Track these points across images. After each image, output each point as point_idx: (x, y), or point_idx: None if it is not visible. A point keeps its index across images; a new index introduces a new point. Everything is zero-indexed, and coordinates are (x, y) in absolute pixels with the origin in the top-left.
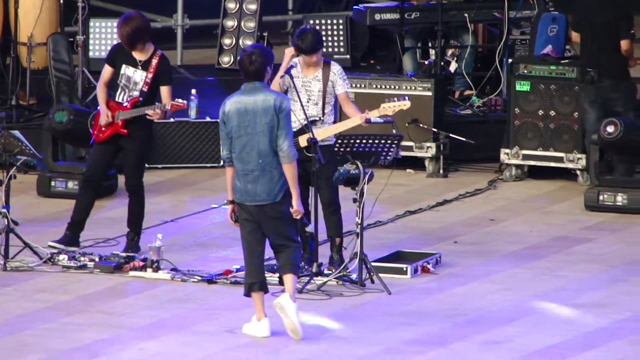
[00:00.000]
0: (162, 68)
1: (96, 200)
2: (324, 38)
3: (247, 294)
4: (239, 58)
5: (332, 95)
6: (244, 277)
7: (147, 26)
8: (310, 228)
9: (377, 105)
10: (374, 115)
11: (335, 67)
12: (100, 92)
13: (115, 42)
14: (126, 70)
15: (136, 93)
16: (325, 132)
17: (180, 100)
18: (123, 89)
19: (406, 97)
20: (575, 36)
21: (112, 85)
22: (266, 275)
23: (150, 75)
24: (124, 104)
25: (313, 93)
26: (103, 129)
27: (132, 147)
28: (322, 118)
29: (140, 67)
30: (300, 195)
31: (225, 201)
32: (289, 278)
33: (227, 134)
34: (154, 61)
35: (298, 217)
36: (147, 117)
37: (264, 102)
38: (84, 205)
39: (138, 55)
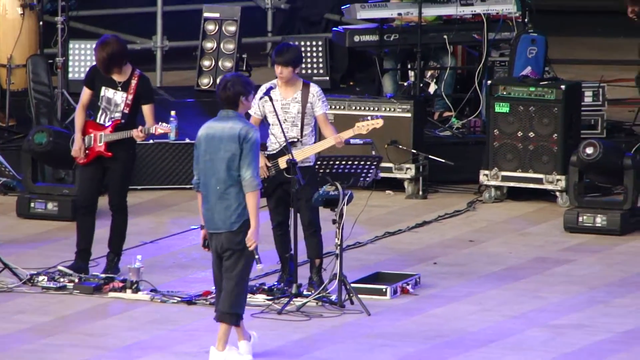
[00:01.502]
0: (142, 88)
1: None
2: (303, 60)
3: (215, 319)
4: (218, 83)
5: (312, 116)
6: (215, 303)
7: (123, 50)
8: (261, 266)
9: (354, 126)
10: (348, 135)
11: (314, 89)
12: (78, 118)
13: (93, 64)
14: (106, 92)
15: (118, 115)
16: (302, 153)
17: (165, 125)
18: (104, 111)
19: (379, 116)
20: None
21: (92, 106)
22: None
23: (130, 97)
24: (107, 126)
25: (291, 114)
26: (86, 151)
27: (116, 167)
28: (300, 139)
29: (120, 89)
30: (280, 216)
31: (200, 226)
32: (222, 327)
33: (197, 159)
34: (133, 82)
35: (251, 248)
36: (135, 137)
37: (231, 129)
38: (86, 232)
39: (117, 77)
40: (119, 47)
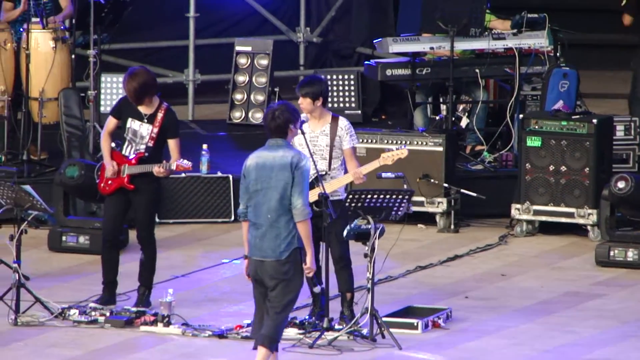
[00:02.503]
0: (168, 121)
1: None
2: (335, 93)
3: (254, 347)
4: (264, 113)
5: (340, 150)
6: (252, 330)
7: (153, 81)
8: (318, 289)
9: (380, 157)
10: (372, 167)
11: (343, 122)
12: (105, 143)
13: (122, 96)
14: (132, 124)
15: (142, 147)
16: (329, 187)
17: (186, 162)
18: (130, 143)
19: (404, 146)
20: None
21: (119, 137)
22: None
23: (156, 130)
24: (130, 158)
25: (320, 147)
26: (110, 182)
27: (141, 200)
28: (329, 172)
29: (146, 121)
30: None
31: (243, 256)
32: (261, 351)
33: (246, 188)
34: (160, 115)
35: (310, 275)
36: (155, 173)
37: (282, 158)
38: (111, 265)
39: (144, 109)
40: (148, 77)
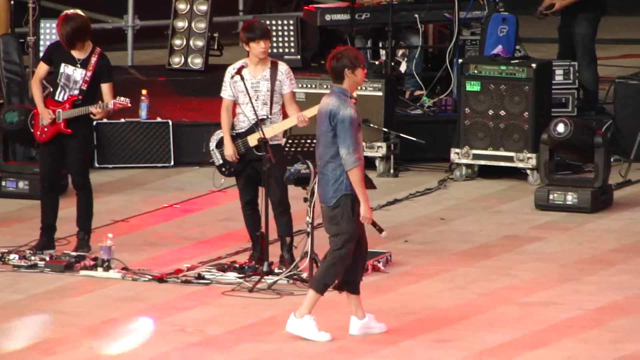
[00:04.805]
0: (101, 65)
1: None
2: (274, 39)
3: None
4: None
5: (280, 94)
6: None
7: (87, 25)
8: (385, 234)
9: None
10: (312, 113)
11: (283, 67)
12: (37, 91)
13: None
14: (65, 68)
15: (76, 92)
16: (271, 131)
17: (123, 99)
18: (63, 88)
19: None
20: None
21: (51, 83)
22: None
23: (89, 74)
24: (63, 103)
25: (261, 93)
26: (46, 129)
27: (76, 145)
28: (270, 117)
29: (79, 65)
30: (249, 195)
31: None
32: (308, 293)
33: None
34: (93, 59)
35: (366, 223)
36: (91, 115)
37: (327, 106)
38: (49, 208)
39: (77, 54)
40: (82, 22)
